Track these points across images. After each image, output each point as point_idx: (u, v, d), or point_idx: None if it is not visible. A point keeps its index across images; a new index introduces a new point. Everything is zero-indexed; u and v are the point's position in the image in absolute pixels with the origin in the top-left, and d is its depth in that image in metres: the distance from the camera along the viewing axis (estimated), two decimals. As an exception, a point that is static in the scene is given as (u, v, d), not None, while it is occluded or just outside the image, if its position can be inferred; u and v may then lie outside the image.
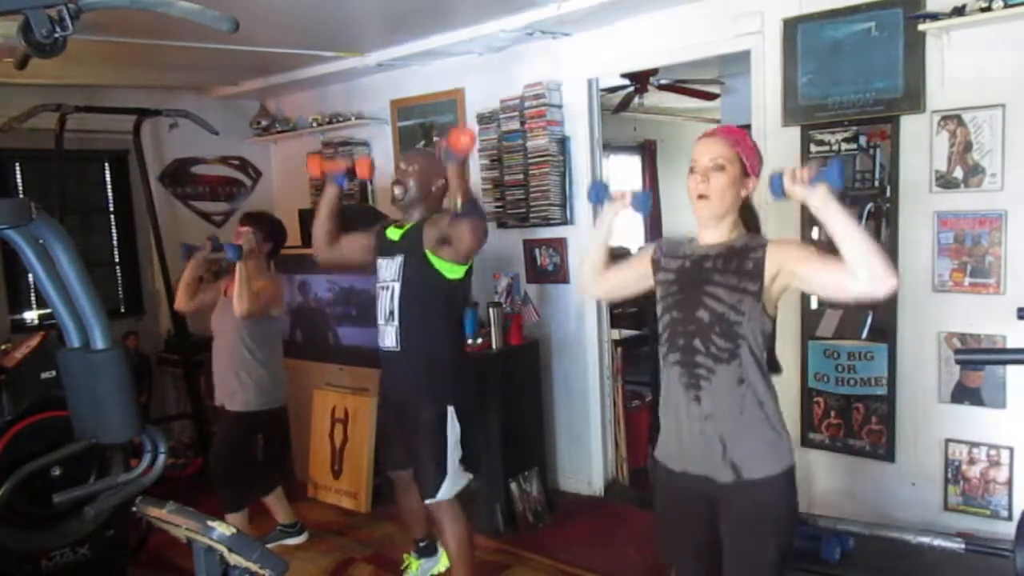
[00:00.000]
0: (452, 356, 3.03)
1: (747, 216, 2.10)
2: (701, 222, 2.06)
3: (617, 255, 2.30)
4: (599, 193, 2.21)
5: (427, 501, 3.00)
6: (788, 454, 2.01)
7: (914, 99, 3.09)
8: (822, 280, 1.91)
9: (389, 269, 3.00)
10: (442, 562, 3.41)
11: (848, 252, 1.79)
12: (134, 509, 2.16)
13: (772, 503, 1.99)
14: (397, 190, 3.02)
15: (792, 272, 1.93)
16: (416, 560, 3.41)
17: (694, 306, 2.00)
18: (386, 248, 3.04)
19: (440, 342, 2.98)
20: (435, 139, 4.80)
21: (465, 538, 3.05)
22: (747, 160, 2.00)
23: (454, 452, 2.96)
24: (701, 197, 2.00)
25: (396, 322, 2.96)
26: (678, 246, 2.14)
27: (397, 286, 2.96)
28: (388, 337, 3.00)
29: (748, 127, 3.71)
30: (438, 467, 2.95)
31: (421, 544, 3.38)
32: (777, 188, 1.87)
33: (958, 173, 3.04)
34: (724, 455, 1.97)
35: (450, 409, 2.95)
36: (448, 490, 2.96)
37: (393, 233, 3.06)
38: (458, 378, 3.03)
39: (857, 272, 1.78)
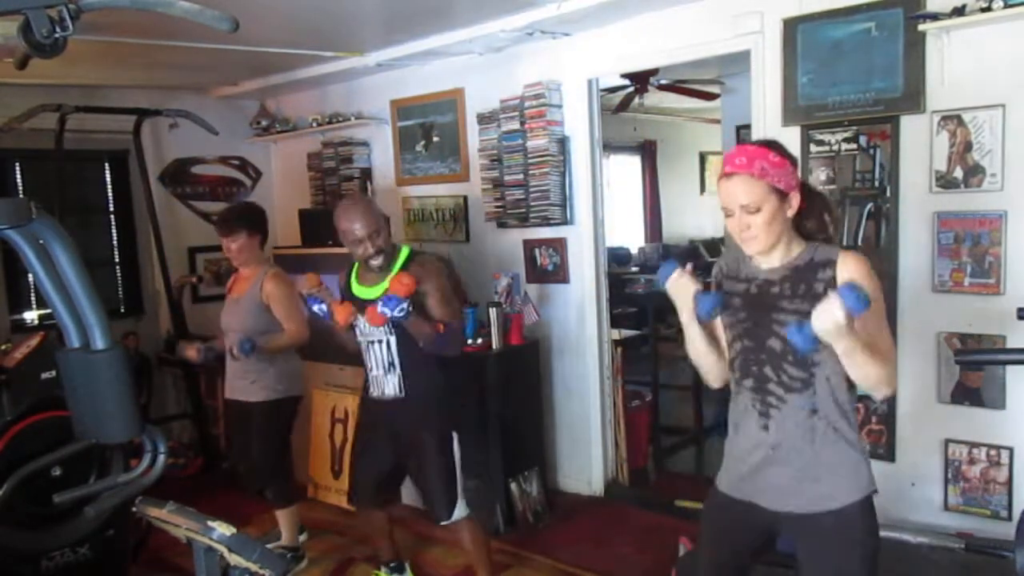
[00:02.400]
0: (452, 383, 3.08)
1: (811, 216, 1.92)
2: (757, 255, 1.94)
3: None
4: (707, 306, 1.94)
5: (443, 523, 3.06)
6: (867, 480, 1.90)
7: (914, 99, 3.09)
8: None
9: (375, 327, 2.94)
10: None
11: (858, 381, 1.80)
12: (134, 509, 2.16)
13: (849, 531, 1.88)
14: (378, 260, 2.97)
15: None
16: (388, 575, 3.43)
17: (764, 335, 1.90)
18: (361, 306, 2.98)
19: (440, 374, 3.03)
20: (435, 138, 4.81)
21: (485, 550, 3.17)
22: (780, 183, 1.83)
23: (459, 475, 3.04)
24: (746, 240, 1.87)
25: (398, 371, 2.98)
26: (738, 265, 2.00)
27: (392, 340, 2.95)
28: (389, 386, 3.01)
29: (748, 127, 3.72)
30: (450, 489, 3.01)
31: (391, 565, 3.40)
32: (808, 342, 1.70)
33: (958, 173, 3.04)
34: (795, 486, 1.89)
35: (453, 435, 3.04)
36: (460, 511, 3.04)
37: (365, 292, 3.02)
38: (452, 400, 3.09)
39: (862, 388, 1.82)
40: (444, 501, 3.03)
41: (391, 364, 2.98)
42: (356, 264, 3.11)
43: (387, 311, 2.77)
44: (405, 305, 2.77)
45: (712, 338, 2.03)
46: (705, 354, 2.03)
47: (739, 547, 2.07)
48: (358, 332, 3.04)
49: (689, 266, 1.96)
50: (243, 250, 3.48)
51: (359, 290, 3.06)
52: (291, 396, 3.57)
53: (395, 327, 2.91)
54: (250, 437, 3.54)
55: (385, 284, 2.94)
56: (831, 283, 1.82)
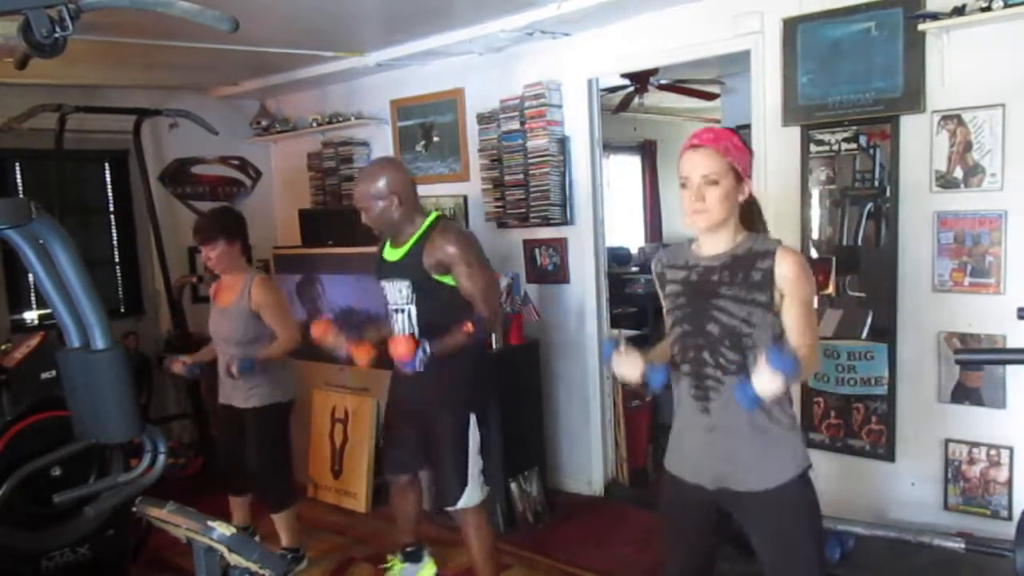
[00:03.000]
0: (473, 362, 3.02)
1: (748, 213, 2.05)
2: (699, 234, 2.03)
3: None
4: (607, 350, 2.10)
5: (448, 508, 3.03)
6: (802, 457, 2.00)
7: (914, 99, 3.09)
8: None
9: (398, 293, 2.96)
10: (426, 569, 3.42)
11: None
12: (134, 509, 2.16)
13: (791, 507, 1.99)
14: (376, 232, 2.99)
15: (780, 304, 1.95)
16: (400, 563, 3.39)
17: (703, 320, 1.98)
18: (387, 270, 3.01)
19: (463, 351, 2.97)
20: (435, 138, 4.81)
21: (489, 547, 3.12)
22: (740, 166, 1.95)
23: (475, 461, 3.00)
24: (697, 212, 1.95)
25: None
26: (679, 253, 2.10)
27: (412, 309, 2.94)
28: None
29: (748, 127, 3.72)
30: (459, 475, 2.98)
31: (408, 549, 3.37)
32: (751, 399, 1.80)
33: (958, 173, 3.04)
34: (735, 466, 1.98)
35: (472, 417, 2.98)
36: (470, 498, 3.00)
37: (391, 253, 3.02)
38: (477, 385, 3.05)
39: None
40: (452, 484, 2.97)
41: (412, 335, 2.94)
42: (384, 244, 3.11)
43: (408, 370, 2.82)
44: (419, 356, 2.79)
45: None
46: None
47: (702, 532, 2.15)
48: (387, 298, 3.03)
49: (623, 344, 2.06)
50: (223, 258, 3.41)
51: (388, 253, 3.05)
52: (285, 401, 3.54)
53: (416, 297, 2.91)
54: (241, 442, 3.51)
55: (407, 248, 2.95)
56: (768, 274, 1.93)
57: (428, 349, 2.82)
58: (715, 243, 2.01)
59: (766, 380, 1.75)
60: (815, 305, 1.99)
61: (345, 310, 4.49)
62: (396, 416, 3.17)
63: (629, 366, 2.02)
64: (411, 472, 3.23)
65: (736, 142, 1.97)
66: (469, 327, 2.87)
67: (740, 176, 1.96)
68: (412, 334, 2.90)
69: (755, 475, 1.97)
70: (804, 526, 2.01)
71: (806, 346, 1.90)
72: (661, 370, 2.03)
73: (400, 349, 2.80)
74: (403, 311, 2.97)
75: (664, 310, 2.11)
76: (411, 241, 2.96)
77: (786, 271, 1.92)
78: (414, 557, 3.38)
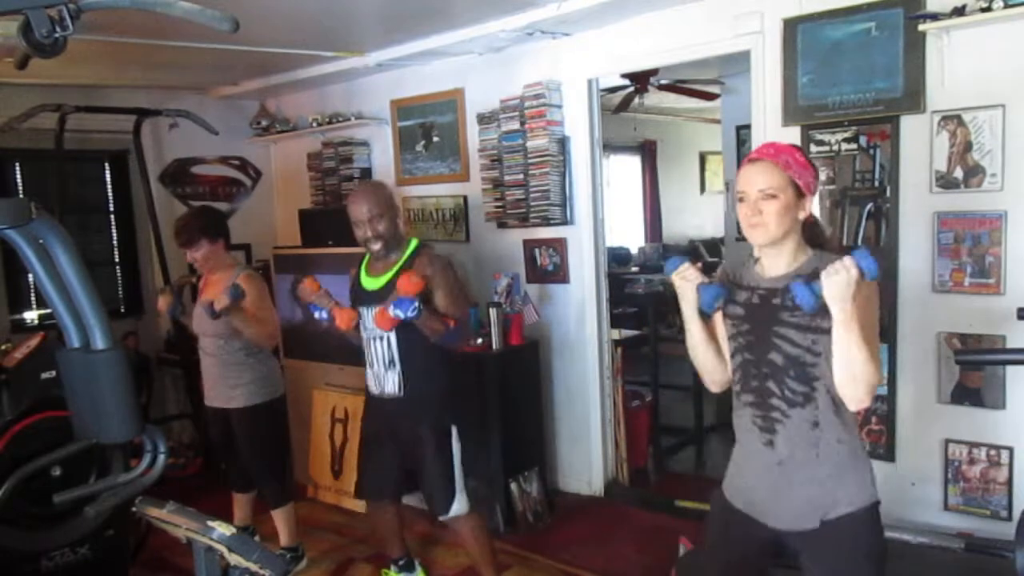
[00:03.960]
0: (453, 383, 3.08)
1: (812, 233, 1.93)
2: (759, 250, 1.92)
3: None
4: (710, 298, 1.93)
5: (441, 518, 3.06)
6: (871, 488, 1.89)
7: (914, 99, 3.09)
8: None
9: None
10: None
11: (840, 371, 1.75)
12: (134, 509, 2.16)
13: (857, 536, 1.87)
14: (377, 245, 2.97)
15: None
16: (396, 574, 3.41)
17: (766, 348, 1.87)
18: (366, 298, 3.01)
19: (441, 373, 3.04)
20: (435, 138, 4.81)
21: (488, 549, 3.16)
22: (801, 181, 1.84)
23: (459, 472, 3.03)
24: (753, 226, 1.86)
25: (398, 368, 2.98)
26: (743, 271, 1.99)
27: (392, 336, 2.95)
28: (389, 383, 3.01)
29: (748, 127, 3.72)
30: (448, 484, 3.01)
31: (400, 562, 3.40)
32: (809, 300, 1.71)
33: (958, 173, 3.04)
34: (798, 503, 1.88)
35: (453, 429, 3.03)
36: (460, 506, 3.03)
37: (371, 282, 3.03)
38: (454, 399, 3.09)
39: (840, 386, 1.78)
40: (442, 496, 3.01)
41: (391, 361, 2.98)
42: (366, 257, 3.11)
43: (400, 313, 2.77)
44: (416, 304, 2.77)
45: (712, 337, 2.02)
46: (704, 351, 2.02)
47: (748, 558, 2.05)
48: (362, 327, 3.04)
49: (697, 263, 1.97)
50: (208, 257, 3.42)
51: (367, 281, 3.06)
52: (270, 399, 3.52)
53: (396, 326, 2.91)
54: (232, 442, 3.52)
55: (391, 274, 2.96)
56: None
57: (417, 307, 2.79)
58: (777, 262, 1.90)
59: (840, 267, 1.65)
60: (877, 325, 1.87)
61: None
62: (374, 437, 3.16)
63: (687, 276, 1.93)
64: (389, 498, 3.25)
65: (798, 157, 1.87)
66: (451, 322, 2.91)
67: (801, 192, 1.85)
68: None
69: (823, 507, 1.85)
70: (865, 561, 1.87)
71: (870, 350, 1.75)
72: (716, 288, 1.91)
73: (414, 281, 2.78)
74: (382, 338, 2.98)
75: (726, 335, 1.98)
76: (395, 267, 2.98)
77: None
78: (407, 568, 3.41)
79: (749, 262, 1.98)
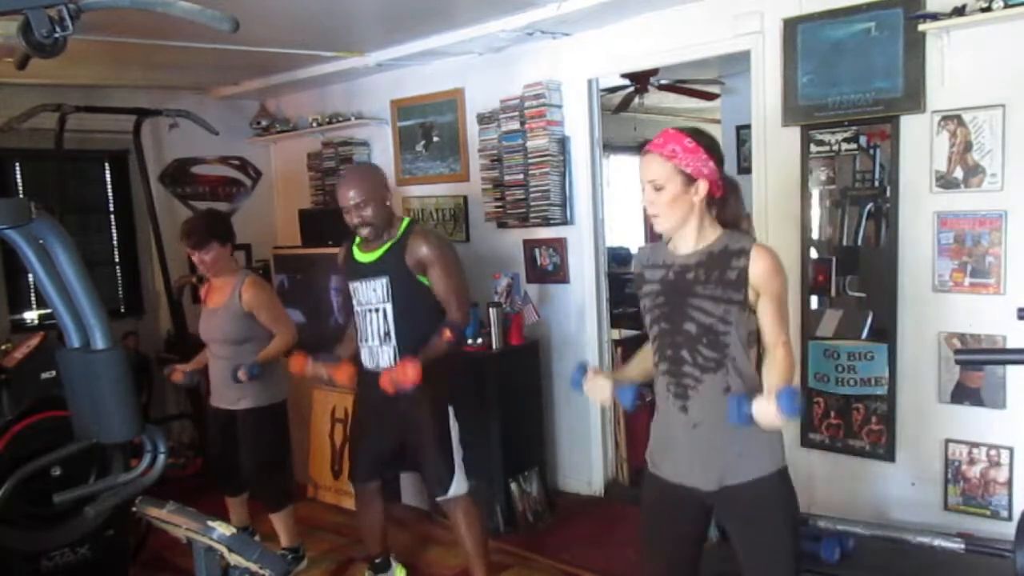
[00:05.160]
0: (449, 359, 3.06)
1: (726, 206, 2.05)
2: (665, 235, 2.08)
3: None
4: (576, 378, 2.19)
5: (439, 498, 3.06)
6: (779, 456, 2.04)
7: (914, 99, 3.09)
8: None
9: (372, 292, 2.97)
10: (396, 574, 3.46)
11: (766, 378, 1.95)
12: (134, 509, 2.16)
13: (769, 500, 2.02)
14: (365, 231, 2.97)
15: (756, 302, 1.98)
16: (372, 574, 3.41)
17: (681, 318, 2.01)
18: (360, 271, 3.02)
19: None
20: (435, 138, 4.81)
21: (480, 536, 3.14)
22: (687, 167, 1.95)
23: (457, 449, 3.03)
24: (651, 216, 2.01)
25: (393, 342, 2.98)
26: (657, 252, 2.13)
27: (388, 307, 2.95)
28: (384, 357, 3.00)
29: (748, 127, 3.72)
30: (447, 463, 3.01)
31: (376, 561, 3.39)
32: (743, 419, 1.87)
33: (958, 173, 3.04)
34: (714, 463, 2.01)
35: (450, 408, 3.03)
36: (458, 487, 3.02)
37: (364, 256, 3.04)
38: (454, 380, 3.09)
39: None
40: (440, 474, 3.00)
41: (387, 334, 2.97)
42: (353, 247, 3.12)
43: (402, 387, 2.83)
44: (416, 378, 2.82)
45: (644, 373, 2.21)
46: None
47: (684, 534, 2.16)
48: (355, 301, 3.04)
49: (590, 370, 2.18)
50: (217, 261, 3.42)
51: (360, 255, 3.07)
52: (275, 402, 3.54)
53: (392, 295, 2.92)
54: (234, 443, 3.51)
55: (382, 250, 2.97)
56: (743, 272, 1.94)
57: (419, 366, 2.83)
58: (685, 242, 2.04)
59: (770, 415, 1.82)
60: (787, 306, 2.02)
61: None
62: (368, 418, 3.16)
63: (598, 391, 2.14)
64: (380, 478, 3.25)
65: (686, 144, 1.95)
66: (448, 335, 2.92)
67: (691, 177, 1.96)
68: (405, 357, 2.90)
69: (735, 469, 1.99)
70: (781, 520, 2.04)
71: (782, 344, 1.97)
72: (629, 390, 2.10)
73: (410, 375, 2.81)
74: (378, 310, 2.97)
75: (642, 309, 2.13)
76: (390, 242, 2.99)
77: (760, 269, 1.94)
78: (382, 567, 3.40)
79: (661, 244, 2.12)
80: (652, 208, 1.99)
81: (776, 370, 1.93)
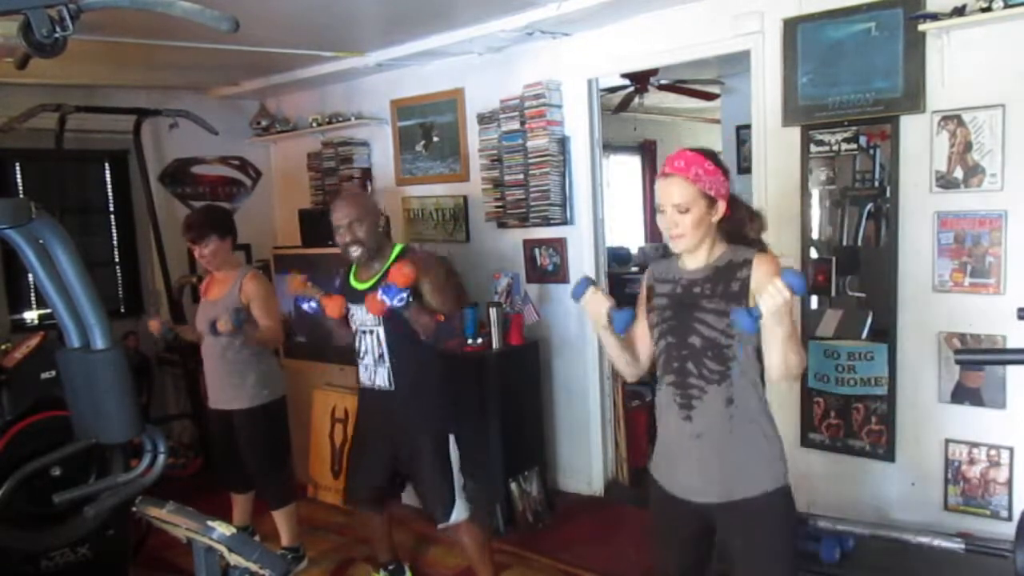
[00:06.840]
0: (446, 382, 3.09)
1: (738, 223, 2.09)
2: (680, 253, 2.10)
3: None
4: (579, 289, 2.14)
5: (440, 525, 3.07)
6: (782, 473, 2.04)
7: (914, 99, 3.09)
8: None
9: (367, 315, 2.95)
10: None
11: (776, 366, 1.93)
12: (134, 509, 2.16)
13: (771, 516, 2.03)
14: (357, 252, 2.98)
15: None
16: None
17: (686, 332, 2.04)
18: (356, 296, 3.01)
19: (433, 371, 3.05)
20: (435, 138, 4.81)
21: (486, 554, 3.16)
22: (711, 190, 1.99)
23: (457, 479, 3.05)
24: (673, 237, 2.03)
25: (387, 363, 2.99)
26: (668, 267, 2.16)
27: (380, 330, 2.96)
28: (380, 377, 3.02)
29: (748, 127, 3.72)
30: (447, 494, 3.02)
31: (390, 567, 3.40)
32: (749, 325, 1.87)
33: (958, 173, 3.04)
34: (716, 474, 2.02)
35: (450, 437, 3.04)
36: (458, 513, 3.04)
37: (359, 284, 3.05)
38: (448, 401, 3.10)
39: (770, 368, 1.96)
40: (441, 503, 3.03)
41: (381, 355, 3.00)
42: (353, 266, 3.12)
43: (386, 299, 2.78)
44: (404, 295, 2.78)
45: (627, 343, 2.20)
46: (618, 356, 2.21)
47: (690, 544, 2.18)
48: (352, 322, 3.05)
49: (601, 284, 2.16)
50: (216, 254, 3.44)
51: (356, 284, 3.08)
52: (273, 400, 3.53)
53: (386, 318, 2.92)
54: (234, 443, 3.52)
55: (375, 280, 2.98)
56: (746, 282, 1.98)
57: (404, 297, 2.79)
58: (696, 258, 2.08)
59: (776, 296, 1.79)
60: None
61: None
62: (367, 439, 3.16)
63: (596, 305, 2.08)
64: (376, 504, 3.25)
65: (707, 167, 2.00)
66: (439, 317, 2.93)
67: (713, 199, 2.00)
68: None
69: (737, 483, 2.00)
70: (780, 539, 2.05)
71: (799, 343, 1.96)
72: (626, 312, 2.08)
73: (398, 276, 2.79)
74: (371, 332, 3.00)
75: (649, 323, 2.16)
76: (381, 271, 2.99)
77: (761, 273, 1.97)
78: (396, 573, 3.41)
79: (672, 259, 2.16)
80: (676, 229, 2.01)
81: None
